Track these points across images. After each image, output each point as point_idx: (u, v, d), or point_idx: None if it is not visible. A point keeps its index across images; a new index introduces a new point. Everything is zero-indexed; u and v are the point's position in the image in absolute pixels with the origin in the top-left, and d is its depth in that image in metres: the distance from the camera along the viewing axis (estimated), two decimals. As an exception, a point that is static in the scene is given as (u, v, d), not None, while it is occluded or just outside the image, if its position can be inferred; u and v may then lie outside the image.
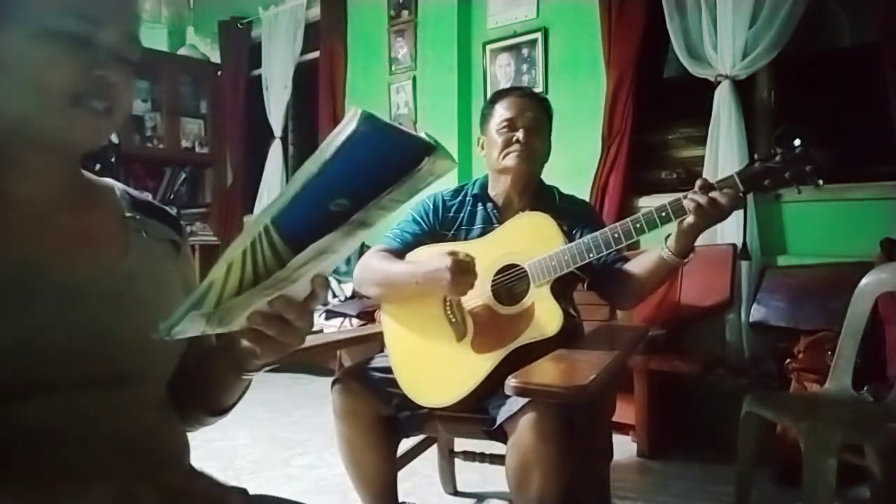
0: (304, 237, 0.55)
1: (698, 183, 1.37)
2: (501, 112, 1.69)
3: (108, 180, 0.84)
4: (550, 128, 1.74)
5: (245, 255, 0.56)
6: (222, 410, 0.86)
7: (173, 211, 0.90)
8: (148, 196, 0.89)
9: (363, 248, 4.20)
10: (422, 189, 0.60)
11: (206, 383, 0.82)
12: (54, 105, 0.67)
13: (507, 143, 1.66)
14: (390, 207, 0.58)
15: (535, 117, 1.68)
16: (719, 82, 2.73)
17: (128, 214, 0.81)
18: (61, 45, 0.66)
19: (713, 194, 1.34)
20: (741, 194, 1.36)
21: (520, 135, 1.65)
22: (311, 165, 0.53)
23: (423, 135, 0.56)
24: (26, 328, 0.64)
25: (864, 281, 1.81)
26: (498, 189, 1.72)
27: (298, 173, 0.53)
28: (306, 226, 0.55)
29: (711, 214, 1.34)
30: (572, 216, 1.66)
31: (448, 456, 2.13)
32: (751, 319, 2.53)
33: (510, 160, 1.66)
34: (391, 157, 0.54)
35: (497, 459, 1.69)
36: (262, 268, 0.57)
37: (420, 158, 0.54)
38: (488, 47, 3.59)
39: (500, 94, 1.76)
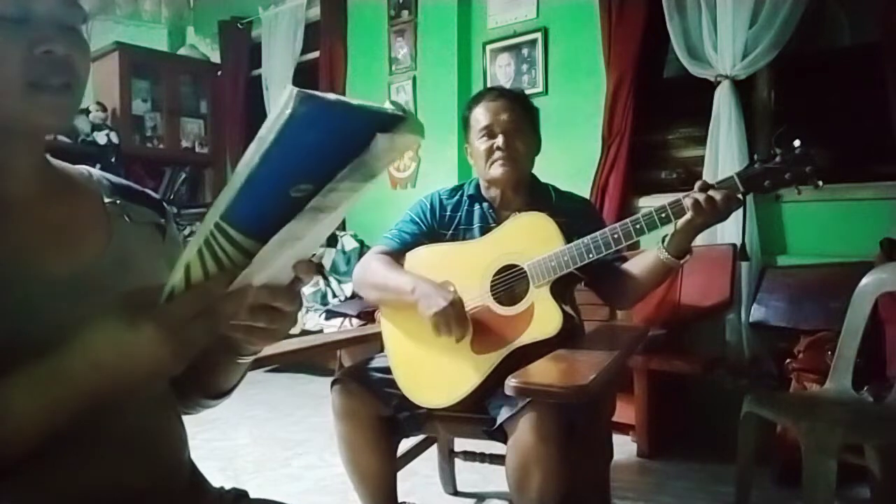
0: (269, 228, 0.53)
1: (698, 184, 1.38)
2: (478, 119, 1.67)
3: (84, 167, 0.82)
4: (533, 122, 1.71)
5: (202, 255, 0.54)
6: (221, 394, 0.86)
7: (173, 210, 0.89)
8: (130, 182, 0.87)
9: (364, 249, 4.21)
10: (384, 167, 0.55)
11: (203, 368, 0.81)
12: (10, 91, 0.65)
13: (490, 152, 1.64)
14: (351, 190, 0.54)
15: (511, 118, 1.65)
16: (719, 82, 2.73)
17: (107, 200, 0.78)
18: None
19: (711, 193, 1.34)
20: (741, 195, 1.37)
21: (499, 141, 1.62)
22: (253, 154, 0.49)
23: (387, 105, 0.53)
24: (13, 326, 0.63)
25: (864, 281, 1.81)
26: (491, 192, 1.71)
27: (241, 163, 0.50)
28: (267, 216, 0.52)
29: (709, 214, 1.34)
30: (569, 214, 1.65)
31: (448, 456, 2.13)
32: (751, 319, 2.53)
33: (495, 170, 1.64)
34: (340, 137, 0.50)
35: (497, 459, 1.69)
36: (228, 263, 0.55)
37: (371, 136, 0.50)
38: (488, 47, 3.59)
39: (474, 101, 1.72)
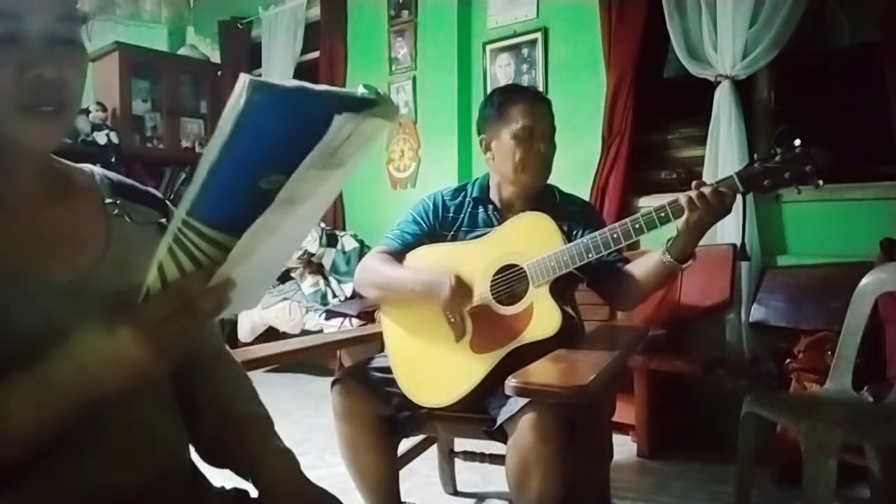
0: (241, 221, 0.52)
1: (694, 184, 1.38)
2: (519, 117, 1.60)
3: (87, 166, 0.81)
4: None
5: (173, 252, 0.54)
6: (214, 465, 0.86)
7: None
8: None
9: (364, 249, 4.20)
10: (354, 154, 0.54)
11: (227, 462, 0.82)
12: (1, 115, 0.64)
13: (526, 154, 1.59)
14: (320, 178, 0.53)
15: (551, 124, 1.64)
16: (719, 82, 2.73)
17: (108, 201, 0.77)
18: None
19: (705, 189, 1.35)
20: (741, 194, 1.37)
21: (541, 147, 1.60)
22: (213, 148, 0.48)
23: (359, 90, 0.51)
24: (12, 330, 0.63)
25: (864, 281, 1.81)
26: (502, 194, 1.69)
27: (203, 157, 0.49)
28: (237, 209, 0.51)
29: (703, 210, 1.34)
30: (572, 216, 1.66)
31: (448, 456, 2.13)
32: (751, 319, 2.53)
33: (529, 176, 1.61)
34: (300, 123, 0.49)
35: (497, 459, 1.69)
36: (204, 259, 0.55)
37: (329, 120, 0.48)
38: (488, 47, 3.59)
39: (514, 96, 1.65)
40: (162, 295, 0.56)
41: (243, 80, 0.46)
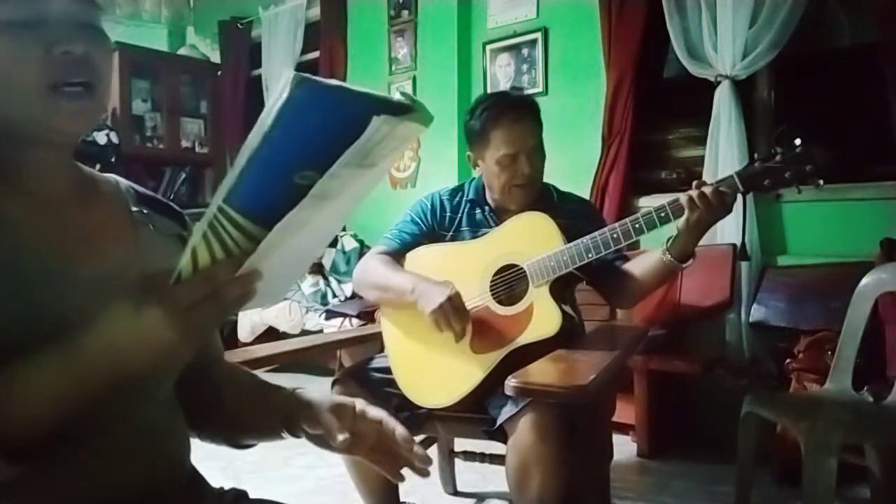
0: (273, 213, 0.53)
1: (695, 184, 1.38)
2: (500, 145, 1.59)
3: (111, 175, 0.83)
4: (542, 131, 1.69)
5: (207, 239, 0.55)
6: (243, 446, 0.87)
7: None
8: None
9: (364, 249, 4.20)
10: (387, 155, 0.55)
11: (243, 424, 0.84)
12: (31, 96, 0.64)
13: (512, 178, 1.60)
14: (352, 177, 0.54)
15: (534, 140, 1.62)
16: (719, 82, 2.73)
17: (134, 209, 0.79)
18: (12, 34, 0.63)
19: (706, 189, 1.35)
20: (741, 194, 1.37)
21: (525, 168, 1.59)
22: (254, 137, 0.50)
23: (396, 95, 0.53)
24: (35, 322, 0.63)
25: (864, 281, 1.81)
26: (497, 200, 1.69)
27: (244, 147, 0.51)
28: (271, 201, 0.53)
29: (704, 209, 1.35)
30: (571, 214, 1.65)
31: (448, 456, 2.13)
32: (751, 319, 2.53)
33: (517, 194, 1.62)
34: (339, 120, 0.51)
35: (497, 459, 1.69)
36: (235, 248, 0.56)
37: (367, 121, 0.50)
38: (488, 47, 3.59)
39: (495, 118, 1.61)
40: (192, 280, 0.57)
41: (288, 74, 0.48)
